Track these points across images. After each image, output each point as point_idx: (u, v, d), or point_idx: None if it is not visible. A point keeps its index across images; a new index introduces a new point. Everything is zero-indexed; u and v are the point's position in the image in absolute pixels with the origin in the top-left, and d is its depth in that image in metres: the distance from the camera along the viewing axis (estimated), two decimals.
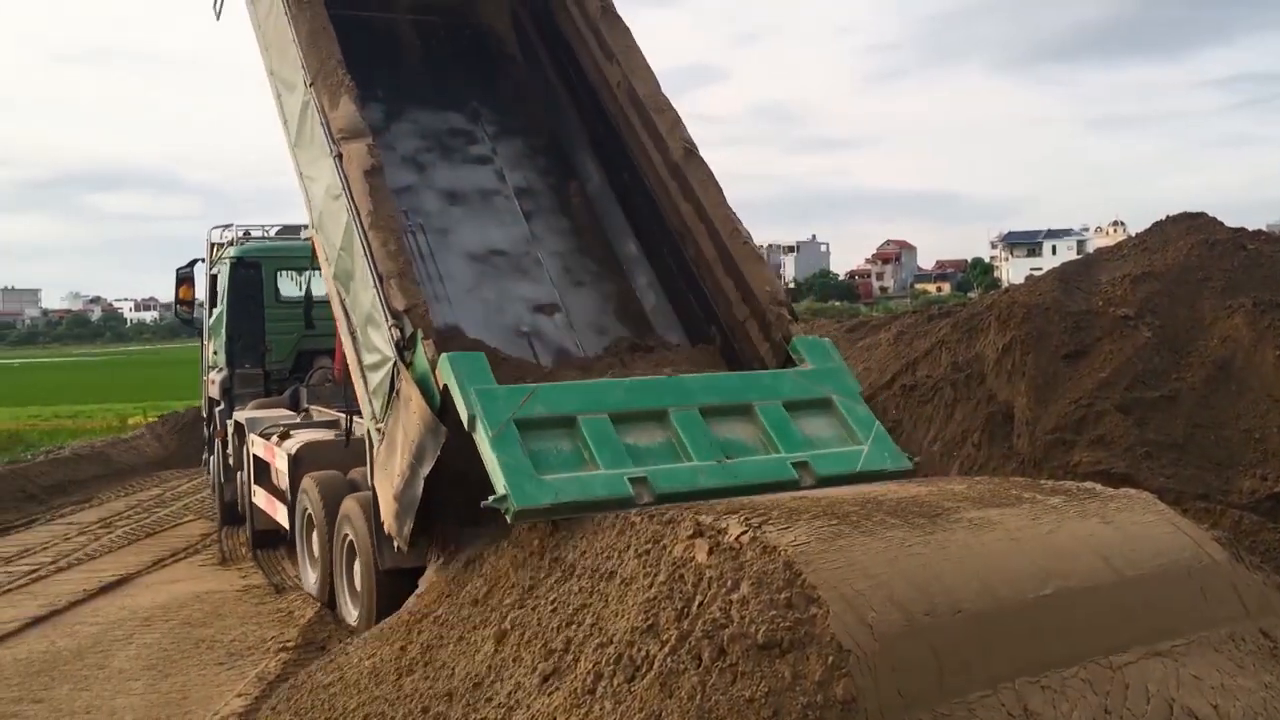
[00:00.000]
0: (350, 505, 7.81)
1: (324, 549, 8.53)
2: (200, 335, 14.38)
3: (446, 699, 4.46)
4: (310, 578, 9.11)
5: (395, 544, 6.56)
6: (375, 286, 6.58)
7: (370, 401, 6.97)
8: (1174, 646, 4.12)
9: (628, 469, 5.62)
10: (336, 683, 5.26)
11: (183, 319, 15.11)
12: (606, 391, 6.15)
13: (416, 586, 6.57)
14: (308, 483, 8.82)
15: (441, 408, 5.96)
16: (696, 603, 3.82)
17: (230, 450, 11.95)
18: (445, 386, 5.95)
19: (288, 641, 7.50)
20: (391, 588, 7.00)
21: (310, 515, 8.86)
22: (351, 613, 7.92)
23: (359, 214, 6.86)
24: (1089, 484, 5.25)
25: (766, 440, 6.17)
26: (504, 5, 9.88)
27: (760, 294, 7.42)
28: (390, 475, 6.50)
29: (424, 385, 6.14)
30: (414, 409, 6.16)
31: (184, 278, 14.30)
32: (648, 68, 8.34)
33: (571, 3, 8.87)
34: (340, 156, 7.12)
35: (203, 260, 14.13)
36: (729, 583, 3.81)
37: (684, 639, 3.69)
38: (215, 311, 13.35)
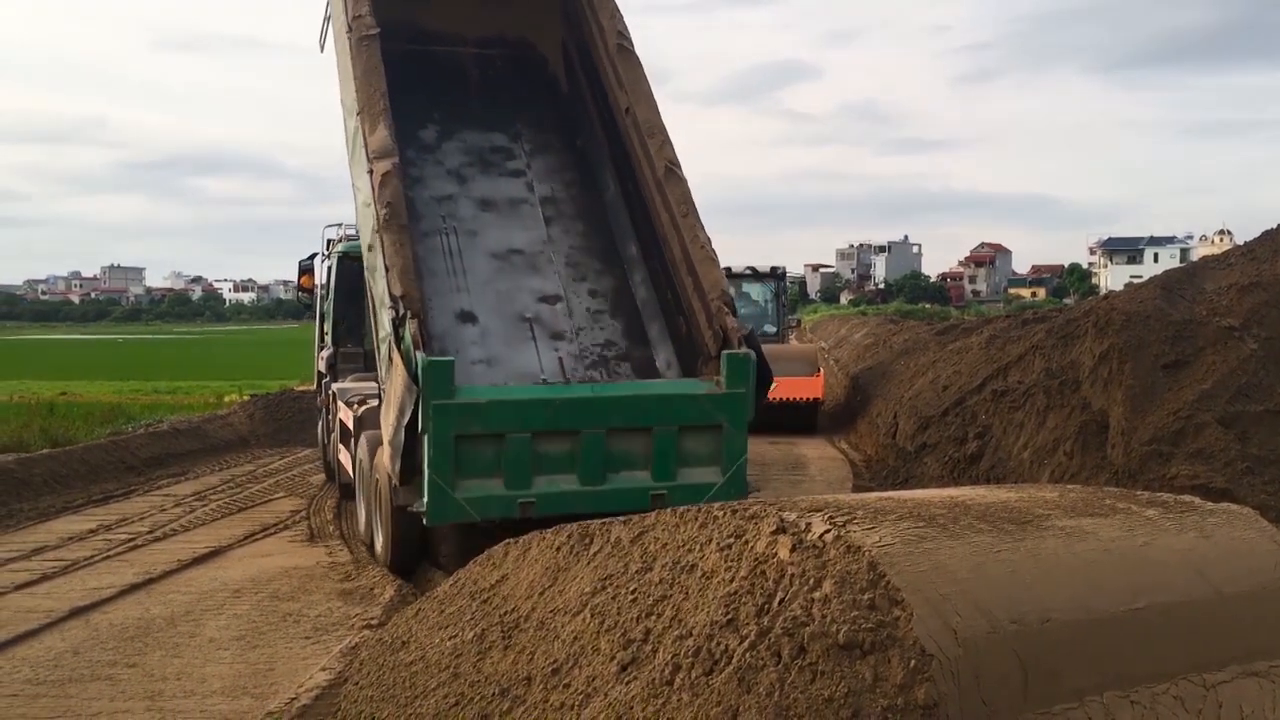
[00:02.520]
0: (380, 456, 9.02)
1: (367, 494, 9.98)
2: (316, 318, 15.69)
3: (525, 683, 4.49)
4: (362, 519, 10.53)
5: (392, 481, 8.31)
6: (384, 277, 8.20)
7: (379, 367, 8.82)
8: (1271, 667, 3.98)
9: (522, 492, 7.98)
10: (418, 661, 5.34)
11: (304, 304, 17.80)
12: (538, 412, 8.08)
13: (423, 522, 8.26)
14: (363, 440, 9.95)
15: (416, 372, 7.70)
16: (777, 599, 3.79)
17: (330, 416, 13.58)
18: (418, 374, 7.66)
19: (371, 619, 7.64)
20: (404, 523, 8.72)
21: (363, 467, 10.01)
22: (379, 542, 9.57)
23: (379, 219, 8.42)
24: (1186, 497, 5.09)
25: (647, 461, 8.26)
26: (556, 38, 11.48)
27: (709, 289, 8.81)
28: (387, 425, 8.26)
29: (406, 356, 7.83)
30: (399, 373, 7.88)
31: (305, 269, 16.26)
32: (650, 96, 9.82)
33: (599, 38, 10.38)
34: (370, 172, 8.68)
35: (319, 254, 15.59)
36: (811, 580, 3.77)
37: (764, 635, 3.66)
38: (327, 298, 14.61)
